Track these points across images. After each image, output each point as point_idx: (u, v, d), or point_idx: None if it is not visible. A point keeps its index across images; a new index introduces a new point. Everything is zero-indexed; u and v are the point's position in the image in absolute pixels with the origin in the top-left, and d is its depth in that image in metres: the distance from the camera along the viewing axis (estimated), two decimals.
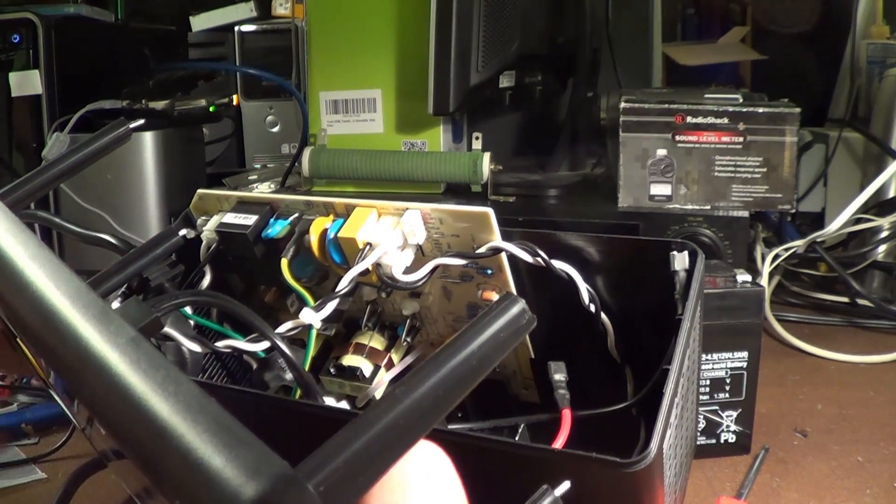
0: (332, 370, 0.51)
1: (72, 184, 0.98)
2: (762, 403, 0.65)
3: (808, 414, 0.70)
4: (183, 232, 0.51)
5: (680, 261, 0.46)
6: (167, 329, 0.45)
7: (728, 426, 0.62)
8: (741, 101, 0.79)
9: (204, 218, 0.51)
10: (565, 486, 0.29)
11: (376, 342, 0.51)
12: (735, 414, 0.61)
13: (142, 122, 0.46)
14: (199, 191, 0.51)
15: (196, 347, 0.46)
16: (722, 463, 0.62)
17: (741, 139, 0.78)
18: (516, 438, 0.39)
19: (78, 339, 0.21)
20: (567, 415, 0.42)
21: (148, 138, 1.01)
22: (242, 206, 0.50)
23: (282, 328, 0.46)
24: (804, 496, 0.58)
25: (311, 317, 0.45)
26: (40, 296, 0.22)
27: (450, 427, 0.49)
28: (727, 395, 0.61)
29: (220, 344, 0.47)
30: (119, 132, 0.45)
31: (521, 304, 0.24)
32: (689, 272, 0.45)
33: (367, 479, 0.21)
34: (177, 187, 1.03)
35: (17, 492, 0.61)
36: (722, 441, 0.62)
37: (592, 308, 0.46)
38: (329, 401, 0.50)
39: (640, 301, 0.46)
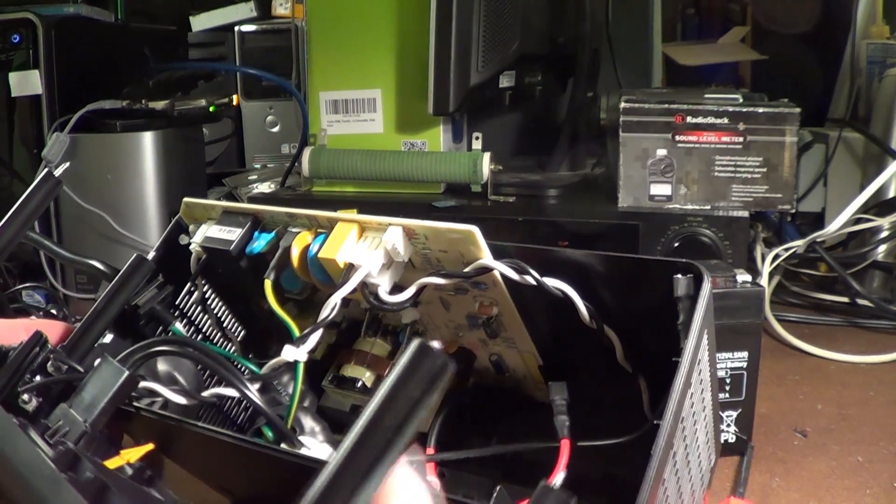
0: (333, 381, 0.50)
1: (72, 184, 0.98)
2: (762, 403, 0.65)
3: (808, 414, 0.70)
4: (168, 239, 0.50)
5: (683, 286, 0.41)
6: (146, 384, 0.44)
7: (728, 426, 0.62)
8: (741, 101, 0.79)
9: (194, 225, 0.50)
10: (560, 476, 0.29)
11: (378, 349, 0.50)
12: (735, 414, 0.61)
13: (65, 166, 0.45)
14: (185, 199, 0.50)
15: (181, 400, 0.45)
16: (721, 462, 0.62)
17: (741, 139, 0.78)
18: (491, 502, 0.37)
19: None
20: (565, 446, 0.40)
21: (148, 138, 1.01)
22: (227, 216, 0.49)
23: (265, 368, 0.45)
24: (804, 496, 0.58)
25: (294, 353, 0.43)
26: None
27: (439, 456, 0.47)
28: (727, 395, 0.61)
29: (206, 394, 0.46)
30: (49, 185, 0.44)
31: (431, 353, 0.22)
32: (694, 298, 0.41)
33: None
34: (177, 187, 1.03)
35: None
36: (721, 441, 0.62)
37: (594, 325, 0.44)
38: (311, 441, 0.49)
39: (645, 313, 0.43)
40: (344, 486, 0.21)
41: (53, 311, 0.88)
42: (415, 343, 0.23)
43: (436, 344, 0.23)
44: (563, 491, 0.27)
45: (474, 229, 0.41)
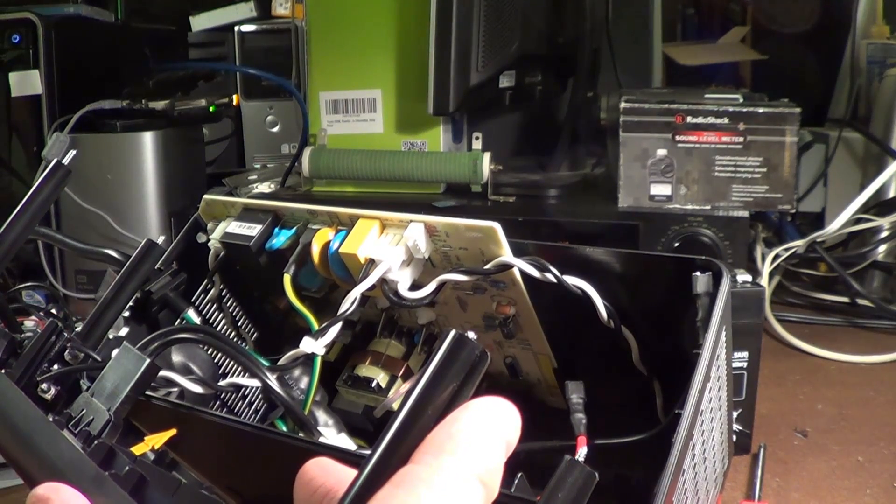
0: (347, 381, 0.50)
1: (72, 184, 0.97)
2: (762, 403, 0.65)
3: (808, 414, 0.70)
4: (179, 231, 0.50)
5: (703, 283, 0.42)
6: (165, 373, 0.44)
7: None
8: (741, 101, 0.79)
9: (213, 223, 0.50)
10: (583, 451, 0.28)
11: (393, 350, 0.50)
12: (735, 414, 0.61)
13: (73, 153, 0.44)
14: (206, 196, 0.50)
15: (198, 389, 0.45)
16: None
17: (741, 139, 0.78)
18: (512, 489, 0.37)
19: None
20: (582, 442, 0.40)
21: (148, 138, 1.01)
22: (247, 213, 0.49)
23: (283, 359, 0.45)
24: (804, 496, 0.58)
25: (312, 345, 0.43)
26: None
27: None
28: None
29: (222, 383, 0.47)
30: (58, 175, 0.43)
31: (468, 344, 0.22)
32: (713, 296, 0.41)
33: None
34: (177, 187, 1.03)
35: (17, 492, 0.61)
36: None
37: (612, 324, 0.44)
38: (329, 431, 0.49)
39: (663, 314, 0.44)
40: (386, 476, 0.21)
41: (53, 311, 0.88)
42: (451, 334, 0.23)
43: (471, 334, 0.23)
44: (587, 465, 0.26)
45: (496, 225, 0.41)
